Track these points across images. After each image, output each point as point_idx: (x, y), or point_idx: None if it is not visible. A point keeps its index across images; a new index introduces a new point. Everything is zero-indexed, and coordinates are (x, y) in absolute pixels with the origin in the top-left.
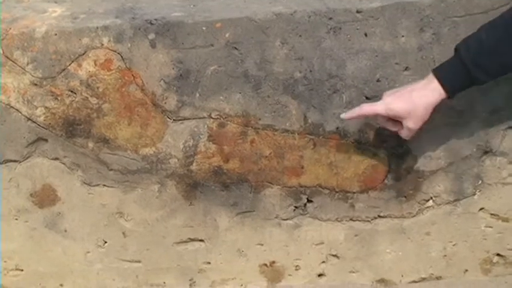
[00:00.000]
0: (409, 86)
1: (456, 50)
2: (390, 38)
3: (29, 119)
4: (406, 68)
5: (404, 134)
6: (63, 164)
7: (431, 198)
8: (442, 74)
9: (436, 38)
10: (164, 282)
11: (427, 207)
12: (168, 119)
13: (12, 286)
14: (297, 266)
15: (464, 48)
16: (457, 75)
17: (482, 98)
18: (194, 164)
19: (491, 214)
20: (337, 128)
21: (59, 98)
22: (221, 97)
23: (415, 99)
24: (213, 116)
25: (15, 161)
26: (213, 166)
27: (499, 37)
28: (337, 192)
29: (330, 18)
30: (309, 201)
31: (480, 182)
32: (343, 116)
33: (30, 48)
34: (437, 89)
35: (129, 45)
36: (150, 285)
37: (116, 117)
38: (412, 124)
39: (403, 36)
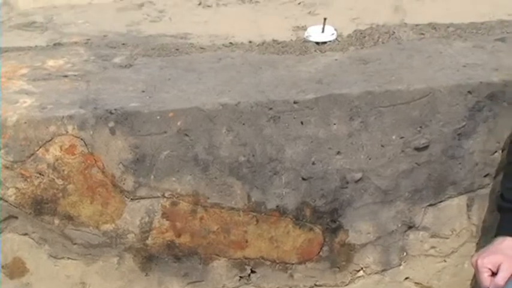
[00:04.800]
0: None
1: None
2: (324, 125)
3: (1, 198)
4: (338, 153)
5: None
6: (32, 239)
7: (362, 268)
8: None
9: (364, 126)
10: None
11: (358, 276)
12: (126, 198)
13: None
14: None
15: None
16: None
17: (405, 180)
18: (149, 238)
19: (415, 283)
20: (277, 206)
21: (28, 180)
22: (174, 178)
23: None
24: (166, 195)
25: None
26: (167, 240)
27: None
28: (277, 263)
29: (270, 109)
30: (252, 271)
31: (405, 253)
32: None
33: (3, 135)
34: None
35: (91, 132)
36: None
37: (80, 197)
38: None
39: (335, 124)
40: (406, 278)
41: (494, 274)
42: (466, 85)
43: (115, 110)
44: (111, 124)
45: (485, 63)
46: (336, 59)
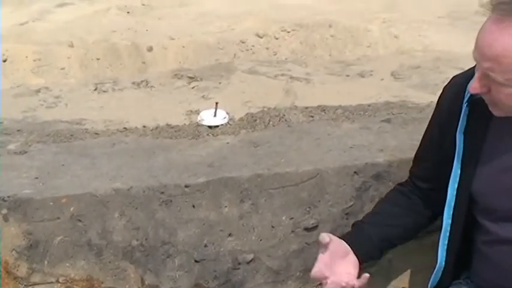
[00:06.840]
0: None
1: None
2: (215, 208)
3: None
4: (230, 234)
5: None
6: None
7: None
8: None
9: (255, 208)
10: None
11: None
12: (20, 285)
13: None
14: None
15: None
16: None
17: (296, 260)
18: None
19: None
20: None
21: None
22: (67, 264)
23: None
24: (60, 280)
25: None
26: None
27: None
28: None
29: (162, 193)
30: None
31: None
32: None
33: None
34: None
35: None
36: None
37: None
38: None
39: (226, 206)
40: None
41: None
42: (352, 166)
43: (8, 197)
44: (4, 211)
45: (371, 144)
46: (228, 142)
